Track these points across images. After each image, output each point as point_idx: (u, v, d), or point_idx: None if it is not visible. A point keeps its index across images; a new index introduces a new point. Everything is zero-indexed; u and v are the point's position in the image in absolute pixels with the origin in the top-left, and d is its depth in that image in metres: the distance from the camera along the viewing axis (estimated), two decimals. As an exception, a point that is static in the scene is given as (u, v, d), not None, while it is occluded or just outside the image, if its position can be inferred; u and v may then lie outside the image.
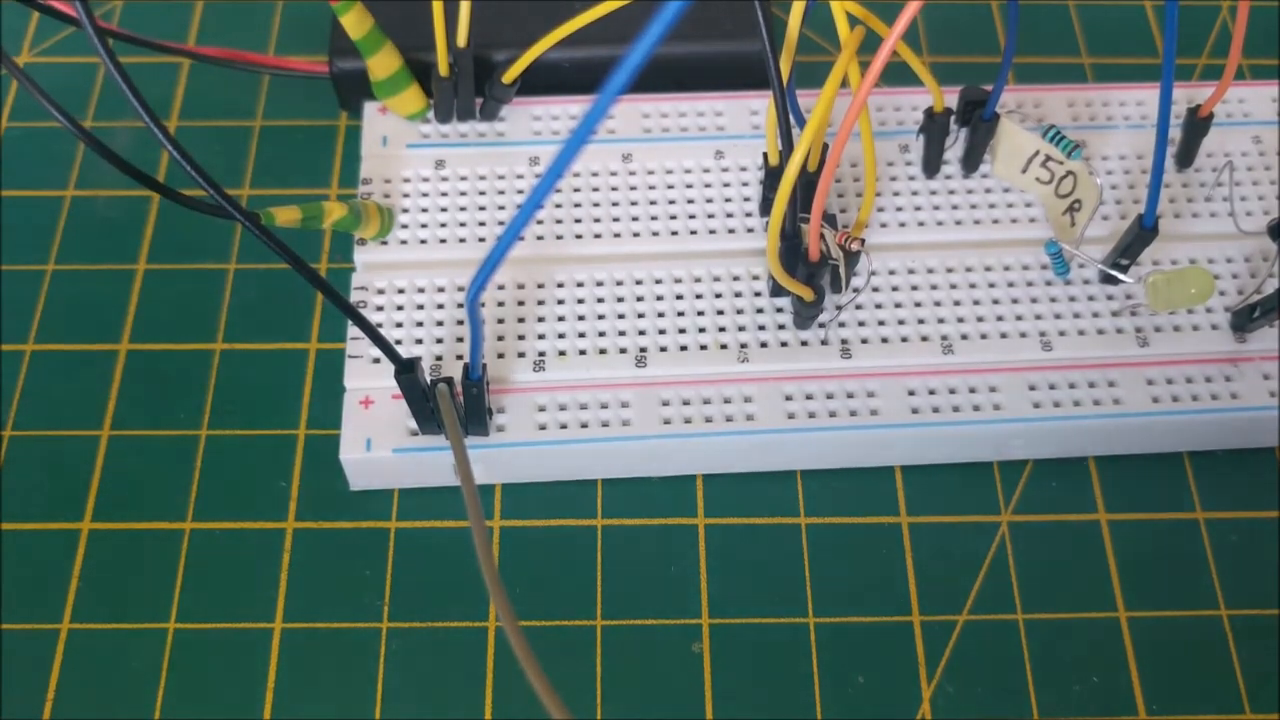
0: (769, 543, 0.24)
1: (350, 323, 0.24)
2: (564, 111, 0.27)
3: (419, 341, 0.24)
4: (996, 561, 0.24)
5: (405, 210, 0.26)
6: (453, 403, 0.21)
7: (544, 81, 0.27)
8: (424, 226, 0.26)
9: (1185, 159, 0.27)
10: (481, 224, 0.26)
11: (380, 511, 0.24)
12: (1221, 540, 0.24)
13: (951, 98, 0.26)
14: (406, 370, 0.21)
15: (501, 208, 0.26)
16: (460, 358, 0.24)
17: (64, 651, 0.23)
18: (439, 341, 0.24)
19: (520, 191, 0.26)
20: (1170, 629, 0.23)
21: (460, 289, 0.25)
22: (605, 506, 0.24)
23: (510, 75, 0.26)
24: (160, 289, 0.27)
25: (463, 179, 0.26)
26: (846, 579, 0.24)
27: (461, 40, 0.25)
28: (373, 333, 0.20)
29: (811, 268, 0.23)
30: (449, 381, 0.22)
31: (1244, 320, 0.25)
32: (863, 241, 0.23)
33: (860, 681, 0.23)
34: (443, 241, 0.25)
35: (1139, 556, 0.24)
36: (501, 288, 0.25)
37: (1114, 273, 0.25)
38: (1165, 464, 0.25)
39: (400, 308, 0.25)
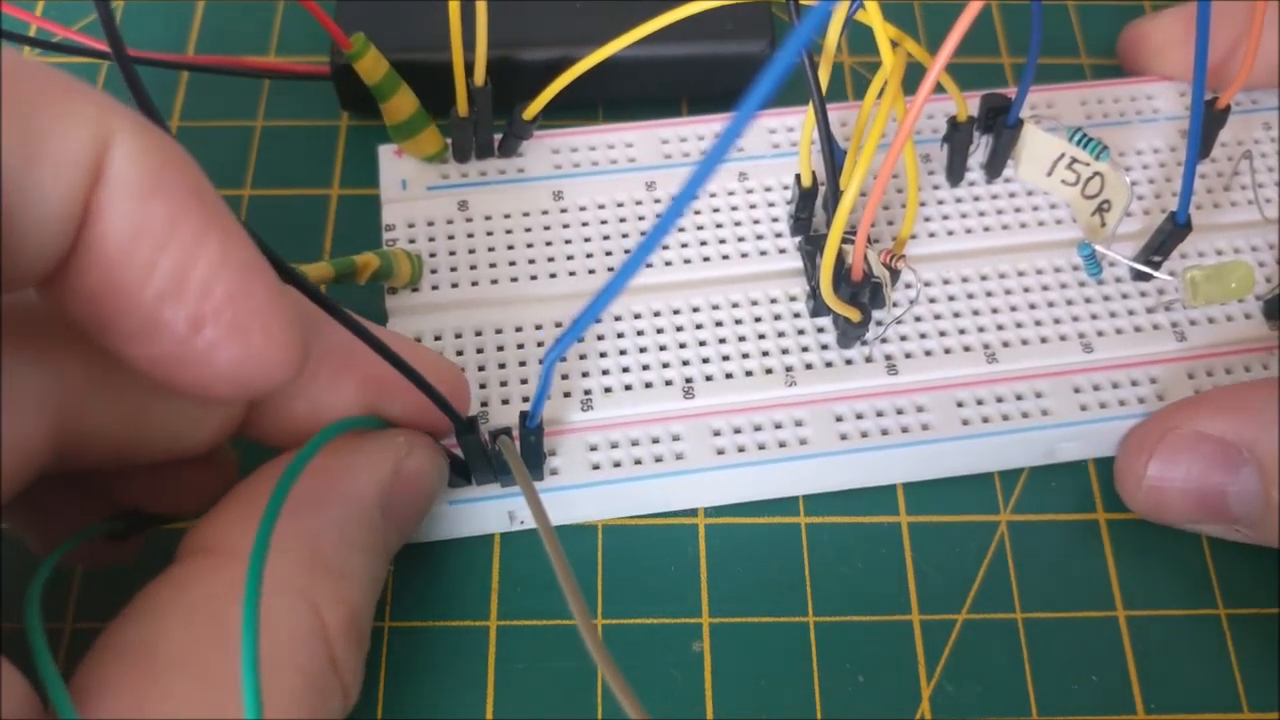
0: (769, 542, 0.24)
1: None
2: (583, 143, 0.27)
3: (461, 388, 0.24)
4: (996, 561, 0.24)
5: (433, 255, 0.25)
6: (518, 454, 0.21)
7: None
8: (453, 270, 0.25)
9: (1203, 151, 0.27)
10: (512, 263, 0.25)
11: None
12: (1221, 538, 0.24)
13: (970, 103, 0.26)
14: (469, 431, 0.21)
15: (530, 245, 0.26)
16: (507, 402, 0.24)
17: (66, 651, 0.22)
18: (482, 387, 0.24)
19: (547, 228, 0.26)
20: (1169, 628, 0.23)
21: (498, 331, 0.25)
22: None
23: (530, 112, 0.25)
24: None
25: (487, 219, 0.26)
26: (846, 579, 0.24)
27: (479, 79, 0.25)
28: (434, 394, 0.20)
29: (855, 287, 0.23)
30: (508, 432, 0.21)
31: (1275, 309, 0.25)
32: (905, 258, 0.23)
33: (860, 681, 0.23)
34: (474, 284, 0.25)
35: (1138, 555, 0.24)
36: (539, 327, 0.25)
37: (1147, 269, 0.25)
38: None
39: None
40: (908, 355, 0.24)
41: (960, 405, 0.24)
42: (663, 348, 0.24)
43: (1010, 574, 0.24)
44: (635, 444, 0.23)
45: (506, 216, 0.26)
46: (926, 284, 0.25)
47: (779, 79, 0.12)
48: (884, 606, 0.23)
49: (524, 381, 0.24)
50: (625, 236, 0.26)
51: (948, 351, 0.24)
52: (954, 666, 0.23)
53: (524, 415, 0.21)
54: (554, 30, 0.28)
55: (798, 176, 0.25)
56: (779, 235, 0.26)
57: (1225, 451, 0.22)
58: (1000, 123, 0.25)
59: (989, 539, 0.24)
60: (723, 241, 0.26)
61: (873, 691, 0.22)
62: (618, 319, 0.25)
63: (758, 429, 0.24)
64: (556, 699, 0.22)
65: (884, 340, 0.24)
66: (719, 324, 0.25)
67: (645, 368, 0.24)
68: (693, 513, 0.24)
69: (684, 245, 0.26)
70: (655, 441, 0.23)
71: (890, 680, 0.23)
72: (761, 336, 0.25)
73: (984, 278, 0.25)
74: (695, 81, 0.28)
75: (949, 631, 0.23)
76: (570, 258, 0.25)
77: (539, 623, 0.23)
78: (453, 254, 0.25)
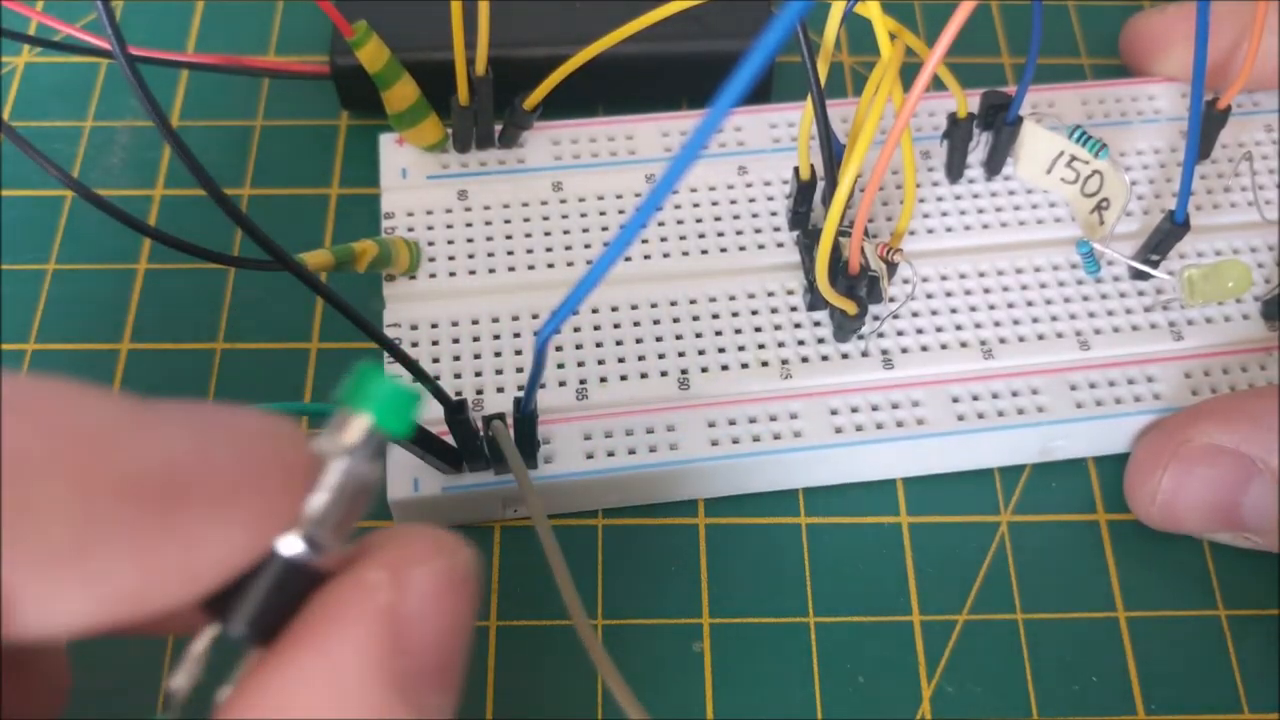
0: (769, 542, 0.24)
1: (387, 359, 0.24)
2: (584, 134, 0.27)
3: (457, 376, 0.24)
4: (996, 561, 0.24)
5: (431, 243, 0.25)
6: (510, 438, 0.21)
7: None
8: (451, 259, 0.25)
9: (1203, 151, 0.27)
10: (510, 253, 0.25)
11: (380, 511, 0.24)
12: (1229, 544, 0.24)
13: (970, 100, 0.26)
14: (457, 411, 0.21)
15: (529, 235, 0.26)
16: (502, 391, 0.24)
17: (66, 650, 0.22)
18: (478, 375, 0.24)
19: (546, 219, 0.26)
20: (1169, 628, 0.23)
21: (495, 320, 0.25)
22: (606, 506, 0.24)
23: (531, 101, 0.25)
24: (161, 288, 0.27)
25: (486, 208, 0.26)
26: (846, 579, 0.24)
27: (480, 68, 0.25)
28: (421, 375, 0.20)
29: (851, 280, 0.23)
30: (501, 418, 0.21)
31: (1274, 309, 0.25)
32: (902, 252, 0.23)
33: (860, 681, 0.23)
34: (472, 273, 0.25)
35: (1138, 555, 0.24)
36: (536, 317, 0.25)
37: (1146, 268, 0.25)
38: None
39: (435, 342, 0.24)
40: (904, 350, 0.24)
41: (955, 400, 0.24)
42: (659, 338, 0.24)
43: (1010, 574, 0.24)
44: (630, 434, 0.23)
45: (506, 206, 0.26)
46: (925, 280, 0.25)
47: (757, 71, 0.12)
48: (884, 606, 0.23)
49: (519, 370, 0.24)
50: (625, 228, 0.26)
51: (944, 347, 0.24)
52: (954, 667, 0.23)
53: (518, 401, 0.21)
54: (555, 31, 0.28)
55: (796, 170, 0.25)
56: (777, 229, 0.26)
57: (1239, 463, 0.22)
58: (1000, 120, 0.25)
59: (989, 539, 0.24)
60: (721, 234, 0.26)
61: (873, 691, 0.22)
62: (614, 309, 0.25)
63: (752, 421, 0.24)
64: (556, 699, 0.22)
65: (880, 335, 0.24)
66: (715, 315, 0.25)
67: (641, 358, 0.24)
68: (693, 512, 0.24)
69: (682, 238, 0.26)
70: (650, 431, 0.23)
71: (890, 680, 0.23)
72: (758, 329, 0.25)
73: (982, 274, 0.25)
74: (694, 81, 0.28)
75: (949, 632, 0.23)
76: (569, 248, 0.26)
77: (539, 623, 0.23)
78: (451, 243, 0.26)
